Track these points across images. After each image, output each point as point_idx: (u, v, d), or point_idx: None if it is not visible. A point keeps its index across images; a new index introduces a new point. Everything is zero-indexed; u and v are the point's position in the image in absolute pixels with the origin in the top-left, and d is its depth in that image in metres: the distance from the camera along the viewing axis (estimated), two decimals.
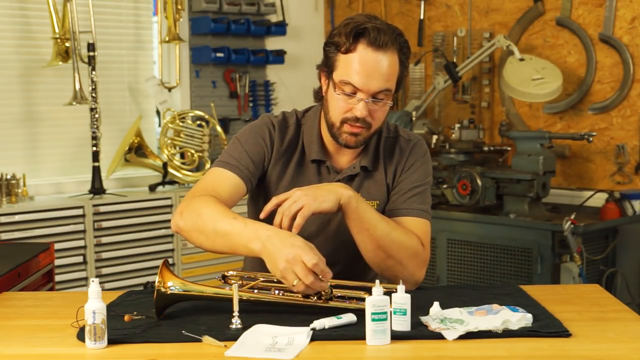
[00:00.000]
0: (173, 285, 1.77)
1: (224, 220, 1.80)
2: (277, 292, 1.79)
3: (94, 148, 4.02)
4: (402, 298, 1.64)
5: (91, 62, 4.02)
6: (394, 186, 2.08)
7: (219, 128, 4.43)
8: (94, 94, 4.00)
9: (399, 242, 1.93)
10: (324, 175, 2.06)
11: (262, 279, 1.83)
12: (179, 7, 4.42)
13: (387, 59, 1.90)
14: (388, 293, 1.64)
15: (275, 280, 1.81)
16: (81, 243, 3.83)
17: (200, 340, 1.60)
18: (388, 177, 2.09)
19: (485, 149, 4.04)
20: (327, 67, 1.97)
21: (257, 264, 2.18)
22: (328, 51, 1.96)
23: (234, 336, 1.61)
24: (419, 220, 2.05)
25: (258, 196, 2.10)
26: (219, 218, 1.81)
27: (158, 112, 4.57)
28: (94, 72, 4.01)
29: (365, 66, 1.89)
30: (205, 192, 1.92)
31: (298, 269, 1.67)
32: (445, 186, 3.81)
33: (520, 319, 1.67)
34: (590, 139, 3.63)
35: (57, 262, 3.24)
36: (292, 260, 1.67)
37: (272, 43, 4.86)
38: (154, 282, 3.97)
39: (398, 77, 1.95)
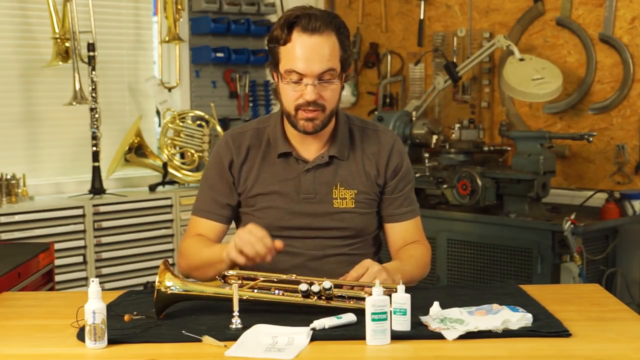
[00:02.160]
0: (173, 285, 1.77)
1: (204, 251, 2.05)
2: (277, 292, 1.80)
3: (94, 148, 4.02)
4: (402, 298, 1.64)
5: (91, 62, 4.02)
6: (383, 184, 2.16)
7: (219, 128, 4.43)
8: (94, 94, 4.01)
9: (420, 274, 2.16)
10: (292, 166, 2.12)
11: (262, 279, 1.83)
12: (179, 7, 4.42)
13: (324, 40, 1.99)
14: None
15: (275, 280, 1.82)
16: (81, 243, 3.83)
17: (200, 340, 1.60)
18: (367, 166, 2.15)
19: (485, 149, 4.04)
20: (273, 63, 2.06)
21: (256, 265, 2.19)
22: (271, 48, 2.06)
23: (234, 336, 1.61)
24: (414, 220, 2.22)
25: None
26: (200, 251, 2.06)
27: (158, 112, 4.57)
28: (94, 72, 4.01)
29: (304, 51, 1.97)
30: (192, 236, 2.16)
31: (248, 237, 1.85)
32: (445, 186, 3.80)
33: (520, 318, 1.67)
34: (590, 139, 3.62)
35: (57, 262, 3.25)
36: (244, 231, 1.87)
37: None
38: (154, 282, 3.98)
39: (341, 56, 2.03)
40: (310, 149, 2.13)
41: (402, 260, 2.09)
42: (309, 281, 1.79)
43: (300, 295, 1.78)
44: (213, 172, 2.17)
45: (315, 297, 1.78)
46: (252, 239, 1.85)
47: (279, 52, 2.02)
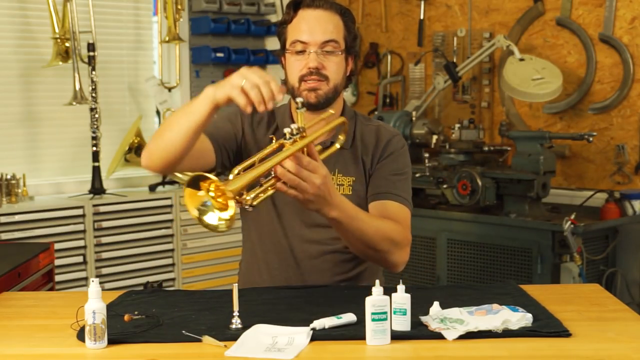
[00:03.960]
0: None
1: (180, 107, 1.92)
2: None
3: (94, 148, 4.02)
4: (402, 298, 1.64)
5: (91, 62, 4.02)
6: (372, 172, 2.14)
7: None
8: (94, 94, 4.01)
9: (373, 237, 1.96)
10: None
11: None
12: (179, 7, 4.42)
13: (327, 15, 2.08)
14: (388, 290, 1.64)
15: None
16: (81, 243, 3.83)
17: (200, 340, 1.60)
18: (364, 156, 2.15)
19: (485, 149, 4.04)
20: (281, 46, 2.12)
21: (253, 264, 2.19)
22: (279, 32, 2.13)
23: (234, 336, 1.61)
24: (399, 205, 2.10)
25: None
26: (176, 110, 1.95)
27: (158, 112, 4.57)
28: (94, 72, 4.01)
29: (308, 22, 2.06)
30: None
31: (250, 74, 1.74)
32: (445, 186, 3.80)
33: (520, 318, 1.67)
34: (590, 139, 3.62)
35: (57, 262, 3.24)
36: (244, 70, 1.76)
37: (272, 43, 4.86)
38: (154, 282, 3.99)
39: (345, 36, 2.09)
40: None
41: (364, 213, 1.98)
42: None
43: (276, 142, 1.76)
44: (223, 115, 2.13)
45: (290, 140, 1.75)
46: (259, 81, 1.72)
47: (286, 30, 2.10)
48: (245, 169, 1.67)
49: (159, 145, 1.92)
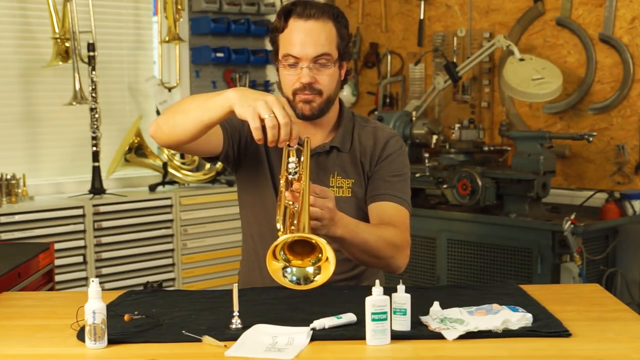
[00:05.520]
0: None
1: (200, 95, 1.91)
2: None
3: (94, 148, 4.03)
4: (402, 298, 1.64)
5: (91, 62, 4.02)
6: (371, 174, 2.15)
7: None
8: (94, 94, 4.01)
9: (379, 248, 1.97)
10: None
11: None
12: (179, 7, 4.42)
13: (320, 26, 2.03)
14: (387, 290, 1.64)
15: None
16: (81, 243, 3.83)
17: (200, 340, 1.60)
18: (363, 159, 2.15)
19: (485, 149, 4.04)
20: (274, 52, 2.11)
21: (254, 264, 2.19)
22: (272, 38, 2.11)
23: (234, 336, 1.61)
24: (398, 206, 2.11)
25: (247, 179, 2.17)
26: (196, 95, 1.93)
27: (158, 112, 4.57)
28: (94, 72, 4.01)
29: (299, 35, 2.03)
30: None
31: (276, 108, 1.73)
32: (445, 186, 3.80)
33: (520, 318, 1.67)
34: (590, 139, 3.62)
35: (57, 262, 3.24)
36: (272, 100, 1.74)
37: None
38: (154, 282, 3.99)
39: (338, 44, 2.07)
40: (313, 139, 2.13)
41: (364, 224, 1.98)
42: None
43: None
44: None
45: (296, 176, 1.77)
46: (282, 121, 1.72)
47: (278, 40, 2.08)
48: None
49: (168, 123, 1.94)
